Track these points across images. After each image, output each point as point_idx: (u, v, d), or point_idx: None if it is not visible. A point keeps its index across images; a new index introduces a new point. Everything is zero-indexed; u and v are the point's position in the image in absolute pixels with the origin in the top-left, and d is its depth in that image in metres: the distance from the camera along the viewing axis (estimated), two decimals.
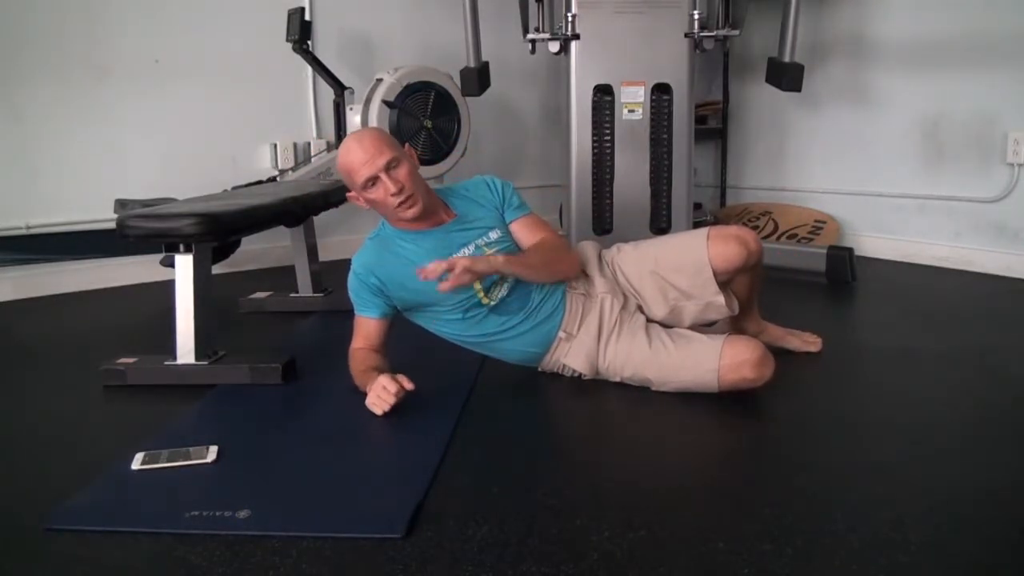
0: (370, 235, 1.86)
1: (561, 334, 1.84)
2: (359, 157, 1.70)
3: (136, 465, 1.44)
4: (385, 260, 1.80)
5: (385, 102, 3.15)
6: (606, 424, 1.72)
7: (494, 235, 1.84)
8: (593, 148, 2.82)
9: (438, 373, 1.84)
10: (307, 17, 3.26)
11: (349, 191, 1.81)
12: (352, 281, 1.81)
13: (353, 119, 3.26)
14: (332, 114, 3.42)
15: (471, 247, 1.80)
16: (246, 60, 3.35)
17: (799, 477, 1.40)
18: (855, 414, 1.69)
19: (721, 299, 1.81)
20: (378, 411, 1.64)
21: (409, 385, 1.64)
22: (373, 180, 1.71)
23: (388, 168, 1.70)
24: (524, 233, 1.88)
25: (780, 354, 1.90)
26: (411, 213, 1.75)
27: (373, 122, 3.14)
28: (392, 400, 1.62)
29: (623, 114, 2.80)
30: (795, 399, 1.77)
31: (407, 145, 1.81)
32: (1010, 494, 1.33)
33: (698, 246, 1.82)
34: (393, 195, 1.71)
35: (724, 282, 1.83)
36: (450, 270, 1.60)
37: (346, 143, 1.74)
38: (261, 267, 3.38)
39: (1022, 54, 2.82)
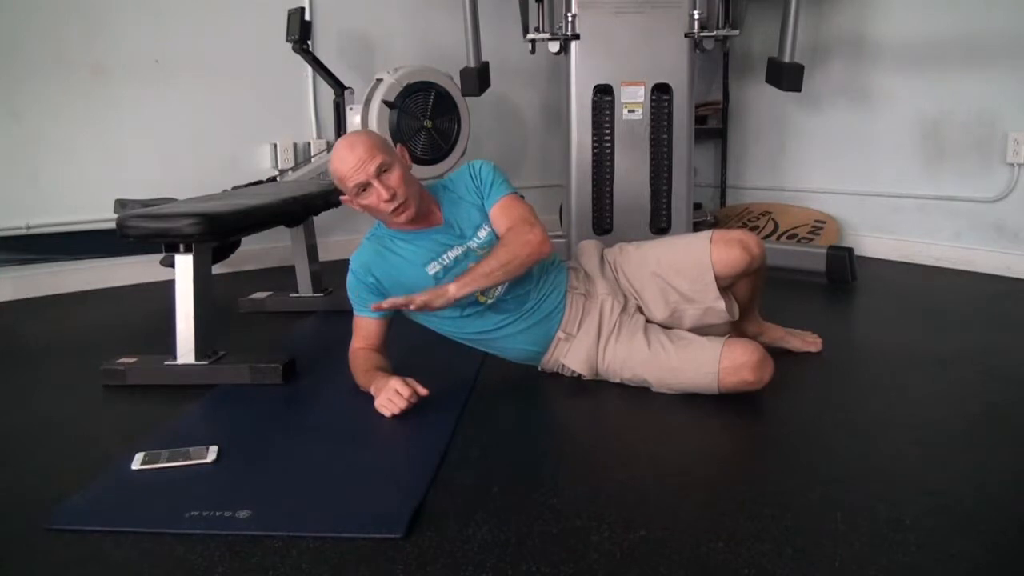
0: (367, 235, 1.87)
1: (560, 334, 1.84)
2: (350, 164, 1.69)
3: (136, 465, 1.44)
4: (382, 258, 1.80)
5: (385, 102, 3.15)
6: (606, 424, 1.72)
7: (483, 233, 1.83)
8: (593, 148, 2.82)
9: (438, 373, 1.83)
10: (307, 17, 3.26)
11: (343, 195, 1.80)
12: (351, 281, 1.82)
13: (353, 119, 3.26)
14: (332, 114, 3.42)
15: (463, 247, 1.81)
16: (246, 60, 3.35)
17: (799, 477, 1.40)
18: (855, 414, 1.69)
19: (722, 304, 1.81)
20: (387, 413, 1.64)
21: (423, 391, 1.64)
22: (365, 186, 1.71)
23: (379, 173, 1.70)
24: (498, 221, 1.81)
25: (780, 354, 1.91)
26: (404, 218, 1.75)
27: (373, 122, 3.14)
28: (404, 405, 1.62)
29: (623, 114, 2.80)
30: (795, 399, 1.77)
31: (399, 145, 1.80)
32: (1010, 494, 1.33)
33: (701, 249, 1.81)
34: (386, 201, 1.71)
35: (725, 286, 1.83)
36: (406, 306, 1.65)
37: (337, 149, 1.73)
38: (261, 267, 3.38)
39: (1022, 54, 2.82)
